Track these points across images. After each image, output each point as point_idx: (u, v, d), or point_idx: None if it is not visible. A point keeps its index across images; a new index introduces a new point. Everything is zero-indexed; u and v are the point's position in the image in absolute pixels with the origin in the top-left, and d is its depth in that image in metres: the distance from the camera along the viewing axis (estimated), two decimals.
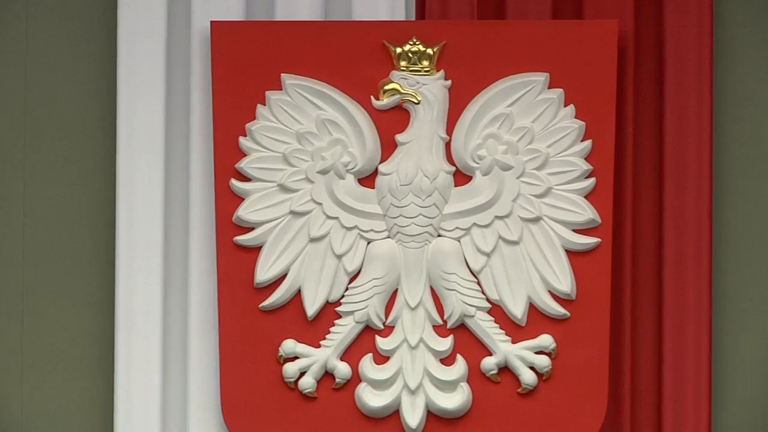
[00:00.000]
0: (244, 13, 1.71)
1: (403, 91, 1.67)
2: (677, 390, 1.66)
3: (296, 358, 1.66)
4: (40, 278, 1.73)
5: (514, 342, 1.65)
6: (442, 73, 1.67)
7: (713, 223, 1.65)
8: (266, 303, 1.66)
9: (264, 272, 1.66)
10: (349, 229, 1.67)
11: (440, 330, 1.67)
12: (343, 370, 1.64)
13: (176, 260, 1.71)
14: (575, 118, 1.66)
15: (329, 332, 1.67)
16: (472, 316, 1.65)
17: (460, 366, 1.64)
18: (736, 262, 1.67)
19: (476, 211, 1.65)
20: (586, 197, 1.65)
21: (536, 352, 1.64)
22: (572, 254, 1.64)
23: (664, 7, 1.70)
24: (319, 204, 1.67)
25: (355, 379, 1.65)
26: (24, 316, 1.72)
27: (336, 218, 1.67)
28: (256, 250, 1.67)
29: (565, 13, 1.73)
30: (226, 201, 1.67)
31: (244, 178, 1.66)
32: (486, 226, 1.66)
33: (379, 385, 1.64)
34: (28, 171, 1.72)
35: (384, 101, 1.69)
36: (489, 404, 1.65)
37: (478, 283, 1.66)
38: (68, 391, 1.74)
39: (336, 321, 1.68)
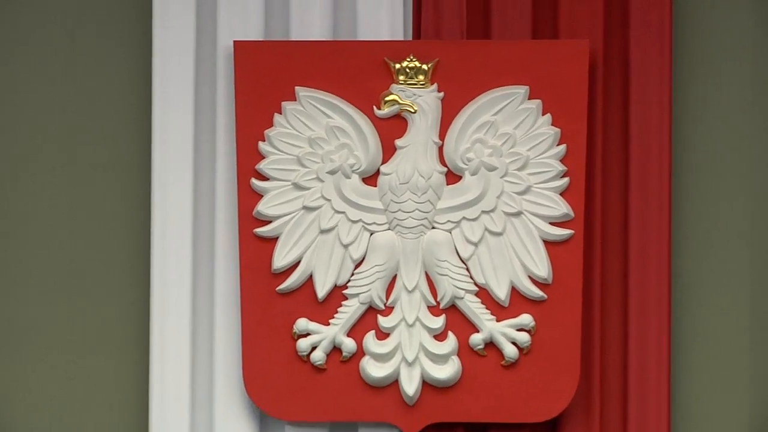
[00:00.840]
0: (263, 34, 1.84)
1: (401, 101, 1.80)
2: (641, 362, 1.78)
3: (308, 334, 1.80)
4: (84, 265, 1.87)
5: (498, 320, 1.79)
6: (435, 86, 1.80)
7: (672, 217, 1.78)
8: (282, 286, 1.80)
9: (280, 260, 1.80)
10: (354, 222, 1.81)
11: (434, 310, 1.80)
12: (349, 345, 1.78)
13: (204, 250, 1.85)
14: (551, 125, 1.79)
15: (337, 312, 1.81)
16: (462, 298, 1.79)
17: (451, 341, 1.78)
18: (693, 251, 1.81)
19: (465, 207, 1.79)
20: (561, 194, 1.79)
21: (517, 330, 1.78)
22: (549, 244, 1.78)
23: (629, 27, 1.81)
24: (329, 200, 1.81)
25: (360, 352, 1.79)
26: (73, 299, 1.87)
27: (343, 212, 1.80)
28: (274, 240, 1.80)
29: (543, 33, 1.84)
30: (248, 198, 1.80)
31: (263, 178, 1.80)
32: (474, 220, 1.80)
33: (381, 358, 1.78)
34: (77, 172, 1.87)
35: (385, 110, 1.81)
36: (476, 375, 1.79)
37: (467, 269, 1.79)
38: (109, 366, 1.87)
39: (343, 302, 1.81)
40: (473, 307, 1.79)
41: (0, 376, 1.88)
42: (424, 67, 1.79)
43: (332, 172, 1.80)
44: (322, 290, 1.79)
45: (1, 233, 1.87)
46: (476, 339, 1.77)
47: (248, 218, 1.80)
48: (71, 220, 1.88)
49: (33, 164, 1.86)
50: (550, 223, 1.78)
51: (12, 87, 1.88)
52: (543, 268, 1.77)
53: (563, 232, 1.77)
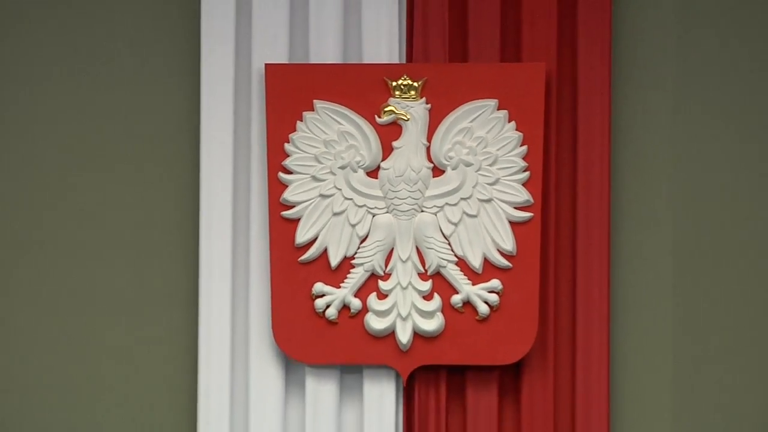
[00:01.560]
0: (287, 57, 2.14)
1: (397, 112, 2.09)
2: (586, 317, 2.11)
3: (323, 295, 2.10)
4: (149, 242, 2.21)
5: (473, 284, 2.09)
6: (424, 99, 2.10)
7: (611, 202, 2.12)
8: (303, 257, 2.10)
9: (301, 236, 2.11)
10: (360, 206, 2.10)
11: (422, 276, 2.10)
12: (355, 303, 2.09)
13: (242, 229, 2.16)
14: (516, 130, 2.09)
15: (346, 278, 2.11)
16: (445, 267, 2.09)
17: (436, 301, 2.09)
18: (627, 228, 2.14)
19: (447, 195, 2.10)
20: (523, 185, 2.09)
21: (488, 292, 2.08)
22: (514, 224, 2.09)
23: (577, 52, 2.13)
24: (339, 189, 2.11)
25: (364, 309, 2.09)
26: (139, 270, 2.21)
27: (351, 199, 2.11)
28: (296, 221, 2.11)
29: (509, 56, 2.14)
30: (276, 187, 2.11)
31: (288, 172, 2.11)
32: (454, 205, 2.10)
33: (381, 314, 2.09)
34: (142, 171, 2.21)
35: (384, 119, 2.10)
36: (456, 327, 2.09)
37: (449, 244, 2.09)
38: (166, 323, 2.21)
39: (351, 270, 2.11)
40: (454, 274, 2.09)
41: (70, 328, 2.21)
42: (415, 84, 2.09)
43: (342, 168, 2.10)
44: (334, 260, 2.10)
45: (81, 210, 2.23)
46: (456, 299, 2.08)
47: (276, 204, 2.10)
48: (139, 207, 2.22)
49: (109, 163, 2.22)
50: (515, 208, 2.09)
51: (89, 101, 2.23)
52: (509, 243, 2.08)
53: (525, 215, 2.08)
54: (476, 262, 2.09)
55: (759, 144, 2.16)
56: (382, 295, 2.10)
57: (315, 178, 2.11)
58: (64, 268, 2.22)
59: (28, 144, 2.23)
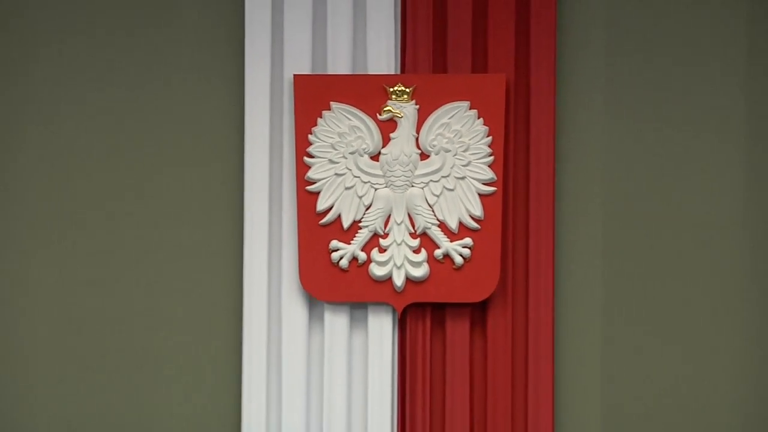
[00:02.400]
0: (311, 69, 2.58)
1: (393, 111, 2.51)
2: (536, 264, 2.55)
3: (338, 250, 2.52)
4: (200, 208, 2.63)
5: (451, 241, 2.52)
6: (414, 101, 2.51)
7: (555, 177, 2.57)
8: (322, 221, 2.52)
9: (321, 205, 2.53)
10: (365, 182, 2.53)
11: (413, 235, 2.53)
12: (362, 256, 2.52)
13: (276, 200, 2.59)
14: (483, 125, 2.51)
15: (355, 236, 2.52)
16: (429, 228, 2.52)
17: (423, 254, 2.51)
18: (567, 198, 2.62)
19: (431, 174, 2.54)
20: (489, 166, 2.52)
21: (462, 247, 2.51)
22: (482, 196, 2.52)
23: (530, 64, 2.58)
24: (350, 170, 2.53)
25: (368, 260, 2.52)
26: (190, 229, 2.63)
27: (358, 177, 2.53)
28: (317, 194, 2.54)
29: (478, 67, 2.58)
30: (302, 168, 2.53)
31: (311, 156, 2.53)
32: (437, 181, 2.52)
33: (381, 264, 2.53)
34: (196, 157, 2.65)
35: (383, 116, 2.52)
36: (438, 274, 2.52)
37: (433, 211, 2.52)
38: (219, 274, 2.64)
39: (358, 230, 2.53)
40: (436, 233, 2.51)
41: (137, 282, 2.61)
42: (407, 90, 2.51)
43: (352, 153, 2.53)
44: (346, 223, 2.53)
45: (142, 186, 2.66)
46: (438, 252, 2.50)
47: (302, 181, 2.52)
48: (197, 184, 2.68)
49: (174, 150, 2.69)
50: (482, 184, 2.52)
51: (160, 105, 2.67)
52: (478, 210, 2.51)
53: (490, 189, 2.52)
54: (453, 225, 2.52)
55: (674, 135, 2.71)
56: (382, 250, 2.53)
57: (331, 161, 2.54)
58: (124, 236, 2.66)
59: (111, 140, 2.70)
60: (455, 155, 2.57)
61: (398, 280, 2.54)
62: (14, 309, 2.65)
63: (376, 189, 2.56)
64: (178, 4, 2.68)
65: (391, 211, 2.56)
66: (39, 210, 2.66)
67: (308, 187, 2.57)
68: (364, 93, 2.55)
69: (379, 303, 2.57)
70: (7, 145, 2.67)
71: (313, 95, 2.56)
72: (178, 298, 2.68)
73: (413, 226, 2.56)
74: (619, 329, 2.63)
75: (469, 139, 2.57)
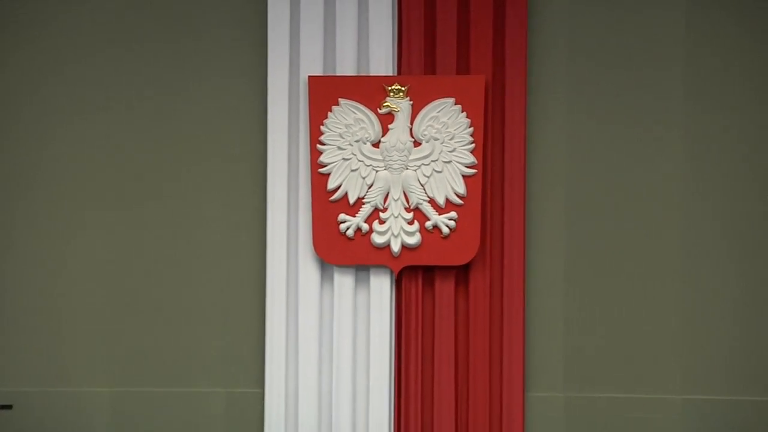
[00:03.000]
0: (322, 71, 3.07)
1: (392, 106, 3.00)
2: (510, 236, 3.07)
3: (345, 222, 3.02)
4: (232, 185, 3.19)
5: (439, 215, 3.01)
6: (408, 98, 2.99)
7: (526, 163, 3.10)
8: (332, 198, 3.03)
9: (331, 185, 3.03)
10: (368, 165, 3.02)
11: (407, 209, 3.01)
12: (365, 227, 3.02)
13: (293, 180, 3.10)
14: (466, 117, 2.99)
15: (359, 211, 3.01)
16: (421, 204, 3.01)
17: (416, 225, 3.02)
18: (536, 179, 3.14)
19: (423, 158, 3.02)
20: (471, 152, 3.01)
21: (449, 219, 3.00)
22: (465, 177, 3.01)
23: (505, 67, 3.08)
24: (355, 155, 3.03)
25: (370, 231, 3.03)
26: (224, 202, 3.16)
27: (362, 161, 3.02)
28: (328, 175, 3.04)
29: (462, 69, 3.07)
30: (315, 154, 3.04)
31: (323, 144, 3.03)
32: (427, 165, 3.02)
33: (381, 233, 3.03)
34: (226, 144, 3.19)
35: (383, 110, 3.00)
36: (428, 242, 3.02)
37: (424, 189, 3.01)
38: (245, 242, 3.16)
39: (362, 206, 3.02)
40: (427, 208, 3.01)
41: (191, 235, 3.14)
42: (403, 88, 3.01)
43: (357, 141, 3.03)
44: (352, 200, 3.03)
45: (187, 166, 3.22)
46: (428, 224, 3.01)
47: (316, 164, 3.03)
48: (230, 166, 3.21)
49: (208, 139, 3.24)
50: (465, 167, 3.01)
51: (198, 103, 3.21)
52: (461, 189, 3.01)
53: (472, 171, 3.02)
54: (441, 201, 3.04)
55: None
56: (381, 222, 3.04)
57: (339, 148, 3.05)
58: (168, 208, 3.27)
59: (159, 129, 3.27)
60: (442, 143, 3.06)
61: (395, 247, 3.05)
62: (74, 262, 3.32)
63: (376, 171, 3.05)
64: (210, 20, 3.27)
65: (389, 189, 3.05)
66: (101, 183, 3.34)
67: (320, 170, 3.08)
68: (367, 91, 3.05)
69: (379, 266, 3.09)
70: (71, 136, 3.32)
71: (324, 93, 3.06)
72: (212, 261, 3.26)
73: (408, 202, 3.06)
74: (577, 286, 3.21)
75: (454, 130, 3.06)
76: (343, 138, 3.09)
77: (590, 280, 3.23)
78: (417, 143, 3.09)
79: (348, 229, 3.08)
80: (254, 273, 3.24)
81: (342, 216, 3.09)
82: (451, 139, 3.09)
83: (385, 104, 3.06)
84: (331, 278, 3.16)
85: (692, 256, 3.19)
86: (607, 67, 3.24)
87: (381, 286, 3.14)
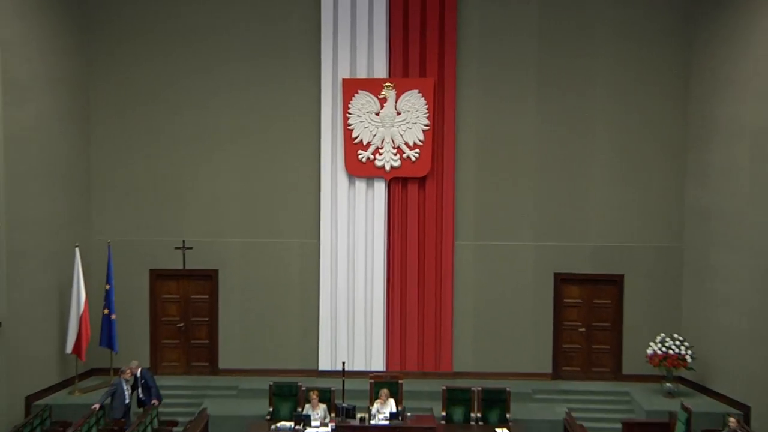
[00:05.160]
0: (350, 74, 6.74)
1: (386, 94, 6.82)
2: (446, 161, 6.33)
3: (361, 154, 6.73)
4: (299, 147, 6.66)
5: (410, 150, 6.91)
6: (394, 90, 6.83)
7: (455, 135, 6.36)
8: (354, 142, 6.95)
9: (354, 134, 6.83)
10: (373, 125, 6.87)
11: (394, 148, 6.84)
12: (371, 156, 6.82)
13: (335, 133, 6.79)
14: (424, 102, 6.94)
15: (368, 148, 6.83)
16: (401, 145, 6.86)
17: (398, 156, 6.97)
18: (462, 131, 6.32)
19: (401, 122, 6.83)
20: (426, 118, 6.78)
21: (415, 153, 6.76)
22: (423, 131, 6.81)
23: (444, 73, 6.40)
24: (366, 120, 6.86)
25: (374, 158, 6.85)
26: (296, 155, 6.45)
27: (370, 123, 6.92)
28: (352, 130, 6.90)
29: (423, 73, 6.71)
30: (345, 119, 6.88)
31: (350, 114, 6.85)
32: (403, 125, 6.87)
33: (380, 160, 6.88)
34: (286, 131, 6.49)
35: (381, 96, 6.85)
36: (405, 165, 6.81)
37: (403, 138, 6.76)
38: (308, 172, 6.52)
39: (369, 146, 6.91)
40: (404, 148, 6.87)
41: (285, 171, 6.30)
42: (391, 84, 6.98)
43: (367, 112, 6.95)
44: (365, 142, 6.96)
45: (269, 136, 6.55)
46: (404, 155, 6.95)
47: (346, 125, 6.95)
48: (299, 137, 6.73)
49: (284, 120, 6.64)
50: (423, 126, 6.94)
51: (275, 99, 6.39)
52: (421, 137, 6.90)
53: (427, 128, 6.86)
54: (411, 143, 7.13)
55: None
56: (380, 154, 7.05)
57: (357, 116, 7.03)
58: (268, 154, 6.74)
59: (263, 115, 6.43)
60: (411, 113, 6.58)
61: (387, 167, 6.57)
62: (227, 171, 6.80)
63: (377, 128, 6.48)
64: (291, 46, 6.92)
65: (383, 137, 6.39)
66: (237, 142, 6.91)
67: (348, 127, 6.92)
68: (372, 86, 6.86)
69: (378, 177, 6.78)
70: (222, 111, 6.88)
71: (350, 87, 6.89)
72: (293, 175, 7.17)
73: (393, 144, 6.52)
74: (483, 185, 7.03)
75: (417, 107, 6.86)
76: (360, 111, 6.34)
77: (490, 180, 6.86)
78: (398, 113, 6.48)
79: (362, 157, 6.18)
80: (314, 180, 7.02)
81: (359, 151, 6.44)
82: (416, 111, 6.25)
83: (381, 93, 6.12)
84: (354, 183, 6.85)
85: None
86: (501, 70, 6.62)
87: (380, 187, 6.74)
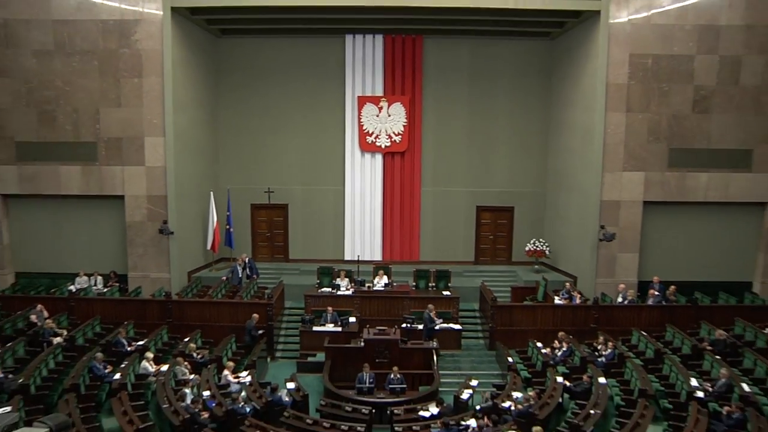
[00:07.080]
0: (362, 93, 11.04)
1: (381, 105, 11.11)
2: (415, 144, 10.87)
3: (367, 137, 11.09)
4: (331, 133, 11.08)
5: (395, 135, 11.17)
6: (387, 103, 11.30)
7: (421, 135, 10.86)
8: (364, 131, 11.15)
9: (365, 129, 11.05)
10: (374, 122, 11.23)
11: (386, 134, 11.13)
12: (375, 139, 11.12)
13: (353, 129, 11.24)
14: (405, 111, 11.31)
15: (372, 134, 11.34)
16: (390, 133, 11.08)
17: (389, 139, 11.53)
18: (426, 123, 10.88)
19: (391, 120, 11.27)
20: (404, 118, 11.25)
21: (398, 137, 11.11)
22: (404, 126, 11.17)
23: (415, 91, 10.90)
24: (370, 120, 11.40)
25: (376, 140, 11.50)
26: (332, 129, 10.99)
27: (372, 122, 11.22)
28: (362, 126, 11.27)
29: (403, 93, 10.96)
30: (359, 120, 11.41)
31: (361, 118, 11.43)
32: (392, 122, 11.37)
33: (379, 141, 11.33)
34: (322, 128, 11.00)
35: (379, 106, 11.00)
36: (392, 143, 11.48)
37: (393, 128, 11.16)
38: (336, 142, 11.13)
39: (373, 133, 11.08)
40: (391, 134, 11.38)
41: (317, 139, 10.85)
42: (386, 99, 11.44)
43: (371, 115, 11.43)
44: (370, 131, 11.37)
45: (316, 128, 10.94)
46: (393, 139, 11.23)
47: (359, 124, 11.89)
48: (331, 128, 11.19)
49: (322, 119, 11.20)
50: (402, 123, 11.50)
51: (324, 118, 10.98)
52: (401, 129, 11.08)
53: (405, 124, 11.26)
54: (397, 131, 11.84)
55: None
56: (379, 138, 11.44)
57: (366, 117, 11.97)
58: (320, 132, 11.35)
59: (315, 116, 10.96)
60: (397, 116, 11.60)
61: (383, 146, 12.14)
62: (293, 143, 11.82)
63: (377, 124, 12.07)
64: (321, 72, 11.38)
65: (381, 129, 11.40)
66: (298, 129, 11.67)
67: (361, 124, 11.66)
68: (374, 100, 12.05)
69: (377, 151, 12.09)
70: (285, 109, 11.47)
71: (362, 101, 12.20)
72: (330, 150, 11.70)
73: (386, 133, 11.51)
74: (440, 154, 11.74)
75: (400, 113, 12.12)
76: (367, 114, 11.76)
77: (441, 153, 11.17)
78: (389, 115, 11.99)
79: (369, 141, 11.47)
80: (341, 153, 12.28)
81: (367, 137, 11.86)
82: (399, 114, 11.23)
83: (379, 104, 11.15)
84: (364, 155, 12.44)
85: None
86: (446, 89, 11.26)
87: (378, 158, 12.32)
